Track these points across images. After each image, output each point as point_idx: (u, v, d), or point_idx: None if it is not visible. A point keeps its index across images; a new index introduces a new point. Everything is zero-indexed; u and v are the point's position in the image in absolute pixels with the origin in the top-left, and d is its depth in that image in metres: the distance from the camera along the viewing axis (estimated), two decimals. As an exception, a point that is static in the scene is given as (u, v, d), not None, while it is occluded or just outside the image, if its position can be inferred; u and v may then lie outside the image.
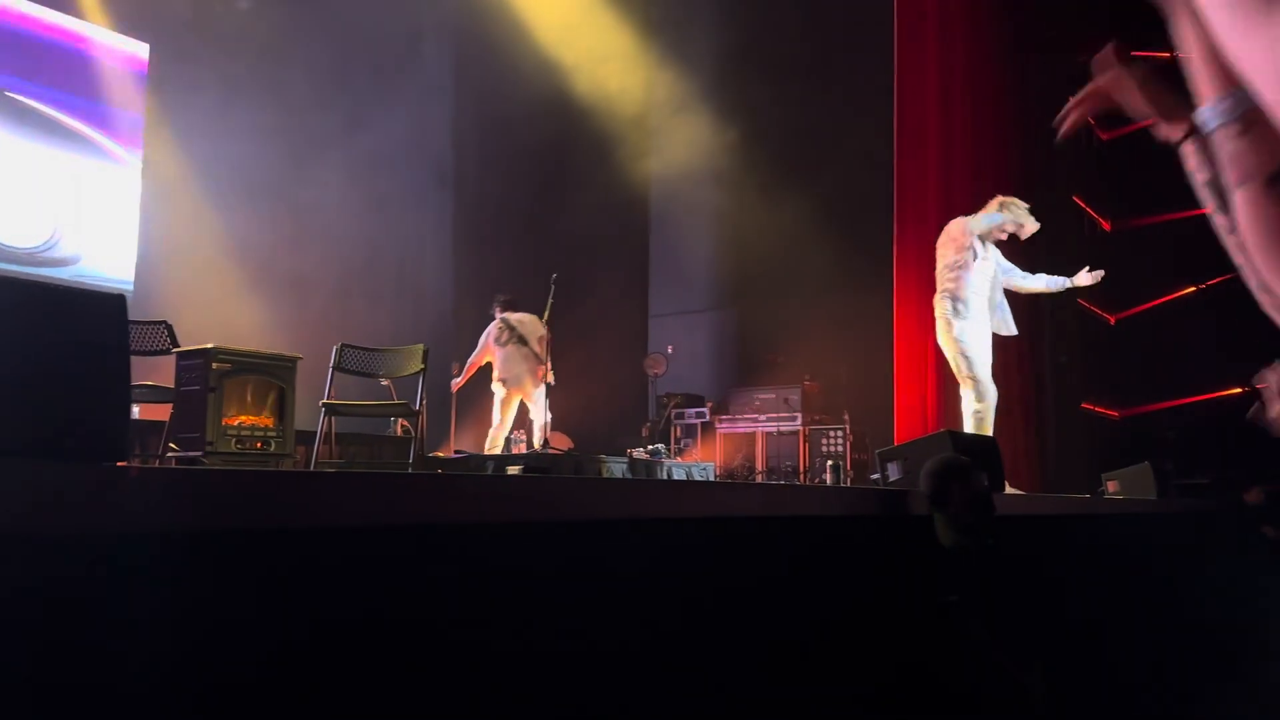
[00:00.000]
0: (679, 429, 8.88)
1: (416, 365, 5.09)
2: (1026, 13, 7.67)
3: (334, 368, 4.98)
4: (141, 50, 8.50)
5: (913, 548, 2.83)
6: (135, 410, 5.78)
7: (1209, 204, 0.98)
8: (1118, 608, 4.01)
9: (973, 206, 6.89)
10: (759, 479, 8.14)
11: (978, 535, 2.73)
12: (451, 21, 9.37)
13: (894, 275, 6.99)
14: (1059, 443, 7.70)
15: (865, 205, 7.89)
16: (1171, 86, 1.08)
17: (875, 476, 4.56)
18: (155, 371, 5.13)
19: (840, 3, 8.44)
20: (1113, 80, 1.09)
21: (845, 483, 6.98)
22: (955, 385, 6.89)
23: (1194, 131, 1.04)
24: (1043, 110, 7.33)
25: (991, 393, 5.37)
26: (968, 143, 6.97)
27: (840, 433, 8.32)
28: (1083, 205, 9.20)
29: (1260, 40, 0.50)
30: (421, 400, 5.05)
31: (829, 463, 5.57)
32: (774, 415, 8.54)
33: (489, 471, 5.62)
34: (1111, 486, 5.65)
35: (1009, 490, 4.43)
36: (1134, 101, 1.11)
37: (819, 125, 8.65)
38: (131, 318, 5.21)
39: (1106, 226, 9.69)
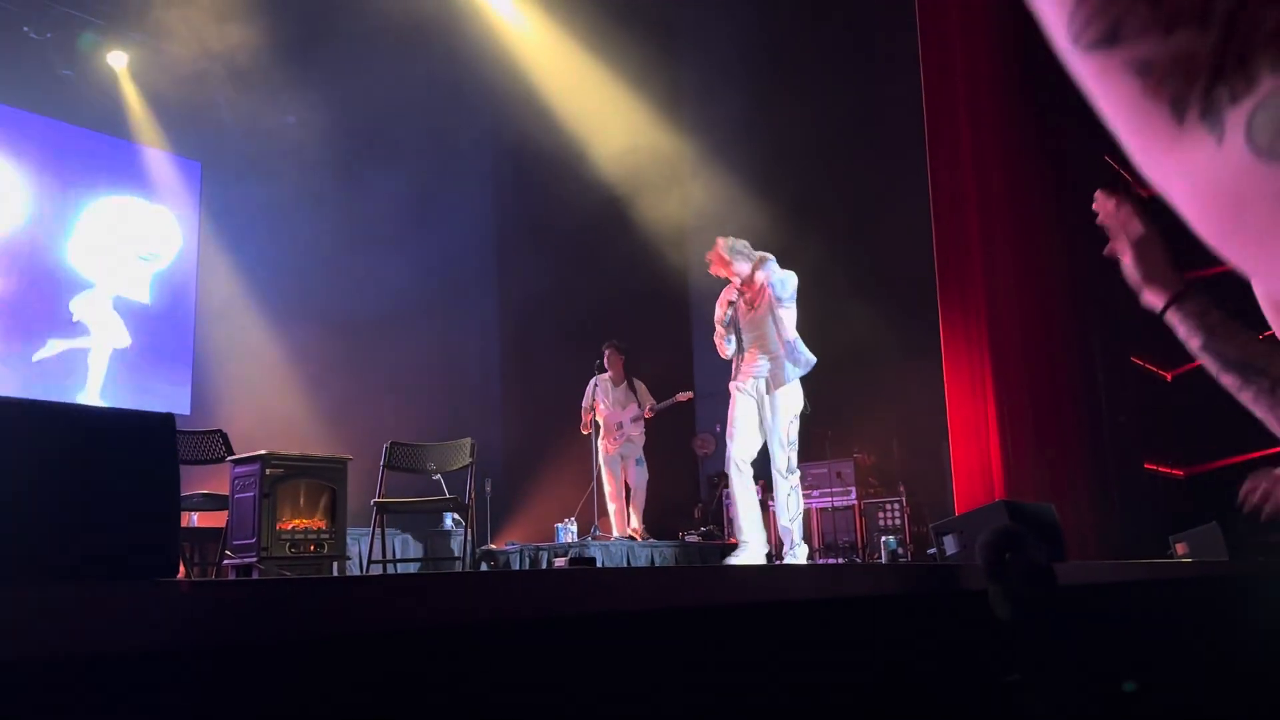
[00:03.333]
0: (731, 508, 8.79)
1: (465, 459, 5.14)
2: (1054, 70, 7.72)
3: (384, 465, 5.05)
4: (193, 169, 8.87)
5: (971, 625, 2.76)
6: (193, 518, 5.90)
7: (1211, 367, 0.99)
8: (1194, 679, 3.85)
9: (1015, 268, 6.87)
10: (815, 557, 8.01)
11: (1038, 609, 2.66)
12: (489, 123, 9.66)
13: (941, 342, 6.94)
14: (1122, 506, 7.50)
15: (907, 274, 7.88)
16: (1166, 247, 1.11)
17: (932, 551, 4.47)
18: (212, 478, 5.24)
19: (867, 70, 8.55)
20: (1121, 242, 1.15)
21: (906, 557, 6.85)
22: (1017, 451, 6.77)
23: (1175, 300, 1.06)
24: (1078, 165, 7.32)
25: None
26: (1005, 204, 6.96)
27: (897, 506, 8.18)
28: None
29: (1173, 168, 0.51)
30: (471, 494, 5.08)
31: (883, 539, 5.50)
32: (827, 490, 8.43)
33: (542, 565, 5.61)
34: (1180, 549, 5.48)
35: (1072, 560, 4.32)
36: (1126, 268, 1.15)
37: (856, 198, 8.71)
38: (189, 426, 5.35)
39: (1160, 306, 9.53)
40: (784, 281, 5.12)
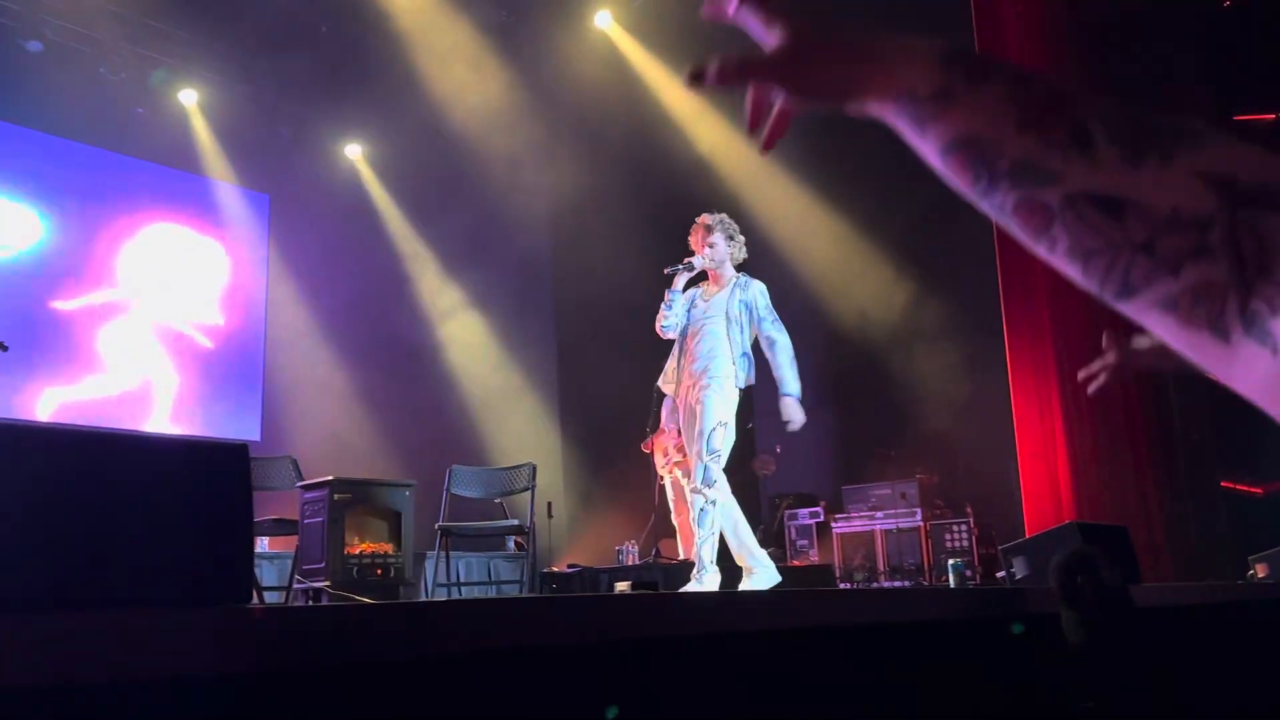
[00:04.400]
0: (793, 530, 8.72)
1: (526, 483, 5.19)
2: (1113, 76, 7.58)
3: (447, 490, 5.11)
4: (262, 201, 9.11)
5: (1043, 651, 2.70)
6: (264, 543, 6.02)
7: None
8: (1277, 705, 3.71)
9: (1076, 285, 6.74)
10: (881, 580, 7.89)
11: (1112, 634, 2.59)
12: (549, 150, 9.77)
13: (1007, 359, 6.83)
14: (1198, 526, 7.28)
15: (971, 291, 7.77)
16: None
17: (1002, 574, 4.39)
18: (283, 504, 5.35)
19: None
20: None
21: (975, 580, 6.71)
22: (1086, 470, 6.61)
23: None
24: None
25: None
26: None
27: (964, 527, 8.02)
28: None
29: (1240, 375, 0.51)
30: (532, 517, 5.12)
31: (950, 561, 5.35)
32: (891, 512, 8.30)
33: (602, 588, 5.62)
34: (1261, 570, 5.30)
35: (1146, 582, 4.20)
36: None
37: (918, 215, 8.62)
38: (260, 453, 5.47)
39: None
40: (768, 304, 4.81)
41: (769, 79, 0.65)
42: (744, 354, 4.67)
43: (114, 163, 8.30)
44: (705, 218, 4.71)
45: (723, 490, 4.34)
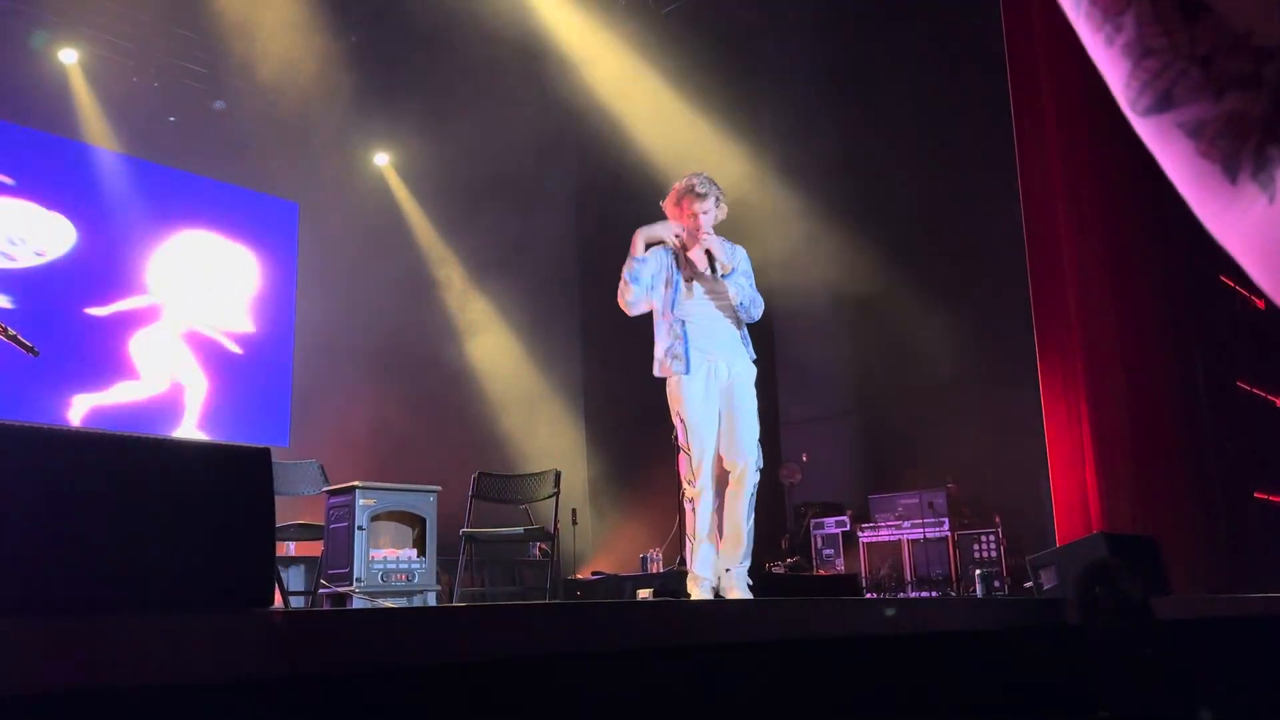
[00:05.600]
0: (819, 539, 8.68)
1: (550, 489, 5.20)
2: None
3: (472, 496, 5.13)
4: (290, 209, 9.21)
5: (1067, 662, 2.67)
6: (291, 547, 6.07)
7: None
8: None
9: (1111, 293, 6.66)
10: (908, 590, 7.84)
11: (1134, 645, 2.56)
12: (575, 163, 9.82)
13: (1038, 366, 6.76)
14: (1231, 538, 7.17)
15: (1001, 300, 7.72)
16: None
17: (1029, 585, 4.34)
18: (310, 509, 5.39)
19: (957, 103, 8.44)
20: None
21: (1003, 591, 6.65)
22: (1116, 481, 6.52)
23: None
24: (1174, 190, 7.08)
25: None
26: (1099, 227, 6.78)
27: (992, 537, 7.95)
28: (1231, 284, 8.76)
29: (1231, 221, 0.51)
30: (556, 524, 5.12)
31: (978, 572, 5.29)
32: (918, 521, 8.25)
33: (625, 594, 5.61)
34: (1295, 583, 5.21)
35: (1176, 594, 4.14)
36: None
37: (947, 225, 8.58)
38: (288, 458, 5.51)
39: (1260, 305, 9.16)
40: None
41: None
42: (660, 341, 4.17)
43: (145, 170, 8.42)
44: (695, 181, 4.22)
45: (698, 490, 3.94)
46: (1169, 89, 0.52)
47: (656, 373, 4.19)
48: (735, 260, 4.13)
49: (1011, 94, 6.92)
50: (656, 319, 4.22)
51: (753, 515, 3.97)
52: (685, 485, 4.05)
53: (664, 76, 8.79)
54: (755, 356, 4.19)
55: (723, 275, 4.06)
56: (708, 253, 4.09)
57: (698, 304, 4.13)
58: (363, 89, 8.60)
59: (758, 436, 4.08)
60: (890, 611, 2.50)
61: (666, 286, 4.18)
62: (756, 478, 4.00)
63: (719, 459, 4.05)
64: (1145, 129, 0.54)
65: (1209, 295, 7.35)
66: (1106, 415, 6.41)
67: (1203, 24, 0.51)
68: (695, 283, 4.16)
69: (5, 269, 7.59)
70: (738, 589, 3.86)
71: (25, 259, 7.72)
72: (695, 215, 4.14)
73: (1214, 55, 0.50)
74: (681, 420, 4.04)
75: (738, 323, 4.15)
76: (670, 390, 4.11)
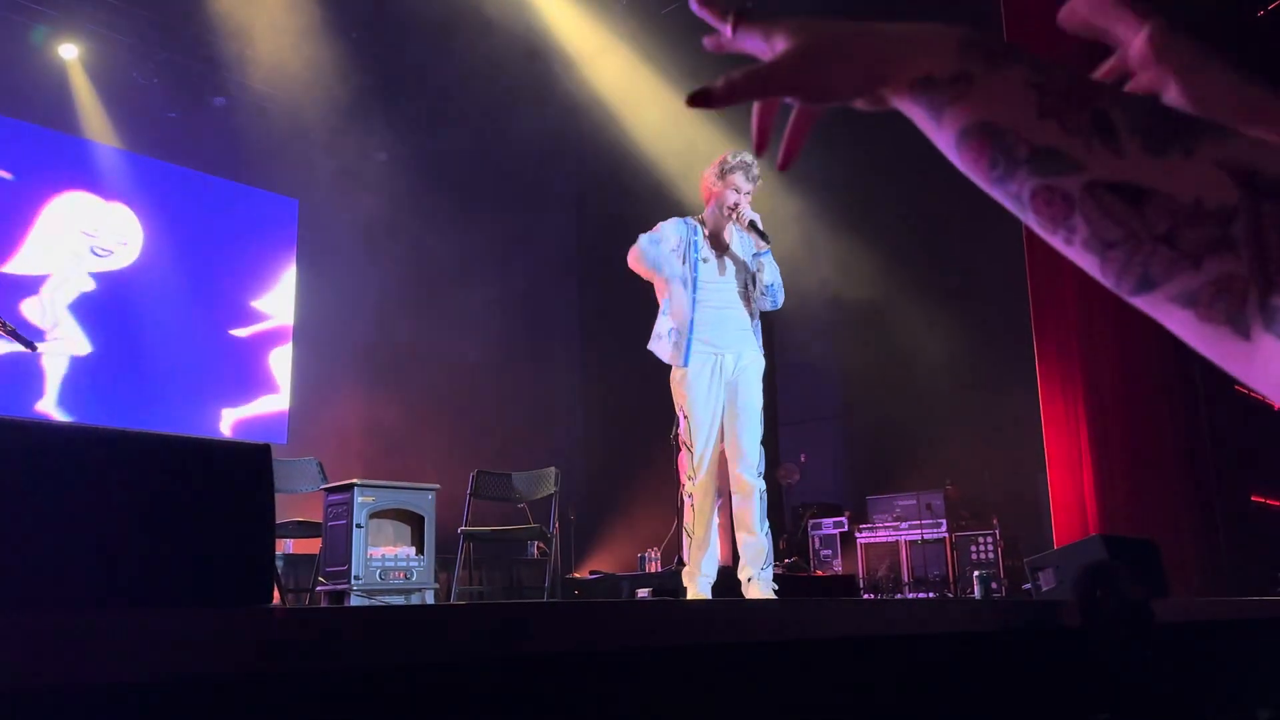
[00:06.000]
0: (816, 540, 8.68)
1: (550, 488, 5.19)
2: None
3: (471, 494, 5.13)
4: (290, 206, 9.20)
5: (1064, 664, 2.67)
6: (289, 545, 6.07)
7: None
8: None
9: (1109, 295, 6.66)
10: (906, 591, 7.84)
11: (1132, 647, 2.56)
12: (576, 162, 9.81)
13: (1036, 367, 6.77)
14: (1228, 540, 7.18)
15: (1000, 300, 7.72)
16: None
17: (1027, 587, 4.35)
18: (308, 506, 5.39)
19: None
20: None
21: (1001, 593, 6.66)
22: (1114, 483, 6.52)
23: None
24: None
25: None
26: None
27: (990, 539, 7.95)
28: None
29: (1258, 375, 0.50)
30: (555, 522, 5.12)
31: (975, 574, 5.29)
32: (916, 523, 8.25)
33: (623, 594, 5.61)
34: (1292, 586, 5.22)
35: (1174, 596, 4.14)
36: None
37: (946, 224, 8.58)
38: (286, 455, 5.51)
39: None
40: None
41: (782, 85, 0.63)
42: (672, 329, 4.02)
43: (143, 165, 8.41)
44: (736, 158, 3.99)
45: (698, 487, 3.87)
46: (1144, 272, 0.52)
47: (650, 346, 4.04)
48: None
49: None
50: (662, 295, 4.03)
51: (766, 520, 3.92)
52: (685, 481, 3.97)
53: (665, 75, 8.78)
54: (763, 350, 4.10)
55: (757, 253, 3.95)
56: (751, 225, 3.90)
57: (712, 289, 3.96)
58: (363, 85, 8.59)
59: (760, 437, 3.99)
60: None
61: (682, 264, 3.95)
62: (763, 485, 3.96)
63: (721, 457, 3.96)
64: (1141, 304, 0.54)
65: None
66: (1104, 418, 6.42)
67: (1151, 207, 0.51)
68: (713, 264, 3.98)
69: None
70: (764, 593, 3.82)
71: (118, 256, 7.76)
72: (739, 191, 3.92)
73: (1175, 231, 0.50)
74: (685, 414, 3.94)
75: (751, 311, 4.01)
76: (674, 382, 4.00)
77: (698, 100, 0.64)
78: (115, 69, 8.08)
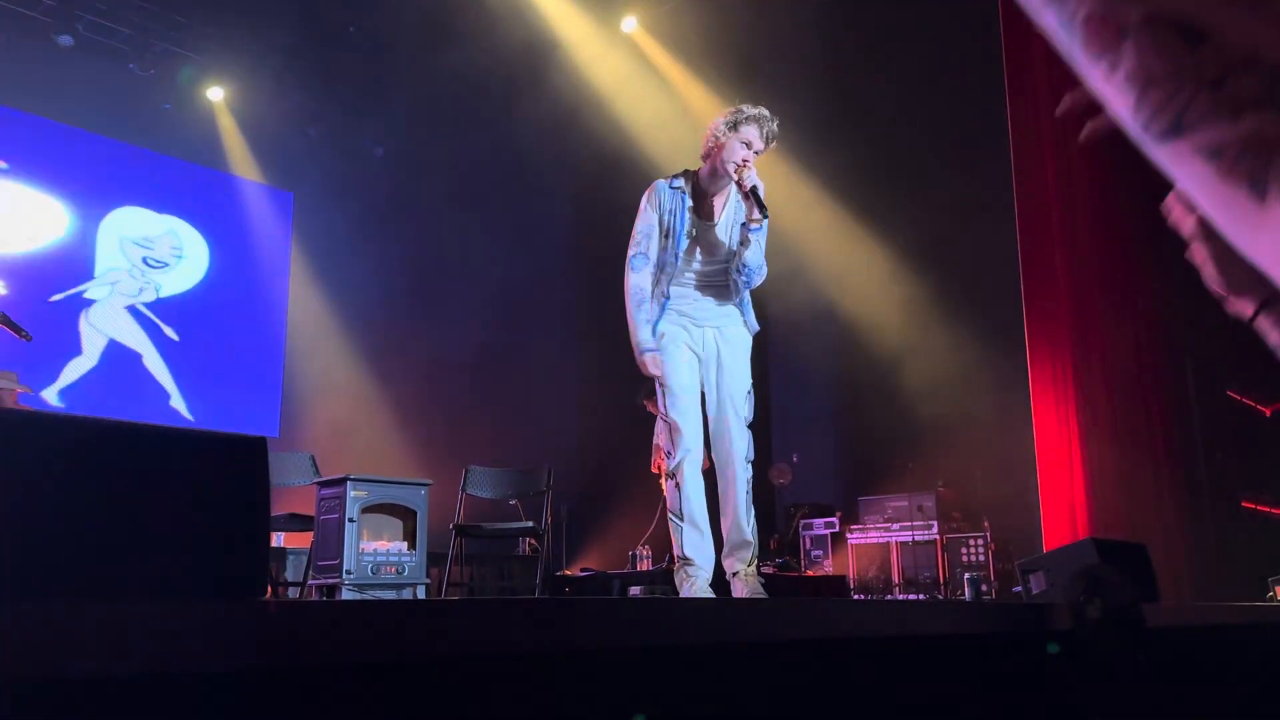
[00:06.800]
0: (808, 540, 8.69)
1: (542, 485, 5.19)
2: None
3: (463, 490, 5.13)
4: (285, 199, 9.18)
5: (1055, 667, 2.68)
6: (280, 538, 6.06)
7: None
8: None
9: (1104, 299, 6.69)
10: (896, 592, 7.86)
11: (1124, 651, 2.57)
12: (573, 157, 9.80)
13: (1028, 370, 6.79)
14: (1219, 546, 7.21)
15: (994, 303, 7.74)
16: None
17: (1018, 589, 4.36)
18: (300, 500, 5.38)
19: (955, 99, 8.44)
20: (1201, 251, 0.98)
21: (991, 595, 6.68)
22: (1106, 488, 6.54)
23: (1265, 305, 0.96)
24: (1169, 190, 7.11)
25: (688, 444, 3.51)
26: (1092, 233, 6.80)
27: (981, 541, 7.97)
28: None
29: (1265, 240, 0.50)
30: (547, 520, 5.12)
31: (966, 576, 5.30)
32: (907, 524, 8.27)
33: (614, 592, 5.61)
34: (1281, 592, 5.24)
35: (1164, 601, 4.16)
36: (1207, 275, 1.01)
37: (940, 222, 8.59)
38: (278, 449, 5.49)
39: (1250, 312, 9.19)
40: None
41: None
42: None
43: (145, 159, 8.38)
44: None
45: (678, 462, 3.52)
46: (1180, 115, 0.50)
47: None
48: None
49: (1009, 105, 6.95)
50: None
51: (752, 511, 3.56)
52: (663, 460, 3.66)
53: (666, 73, 8.79)
54: (757, 327, 3.67)
55: (752, 229, 3.51)
56: (752, 193, 3.47)
57: (692, 266, 3.59)
58: (360, 79, 8.57)
59: (747, 418, 3.60)
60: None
61: (666, 236, 3.55)
62: (749, 472, 3.58)
63: (706, 443, 3.61)
64: (1160, 155, 0.52)
65: (1200, 304, 7.37)
66: (1096, 421, 6.45)
67: (1207, 49, 0.50)
68: (700, 236, 3.58)
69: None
70: (750, 590, 3.52)
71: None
72: (749, 146, 3.50)
73: (1224, 78, 0.49)
74: (661, 384, 3.54)
75: (734, 288, 3.62)
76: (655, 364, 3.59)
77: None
78: (113, 63, 8.06)
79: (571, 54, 8.85)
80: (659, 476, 6.67)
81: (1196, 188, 0.51)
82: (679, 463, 3.50)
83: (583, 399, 9.83)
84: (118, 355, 8.00)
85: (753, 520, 3.57)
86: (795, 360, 10.37)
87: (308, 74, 8.56)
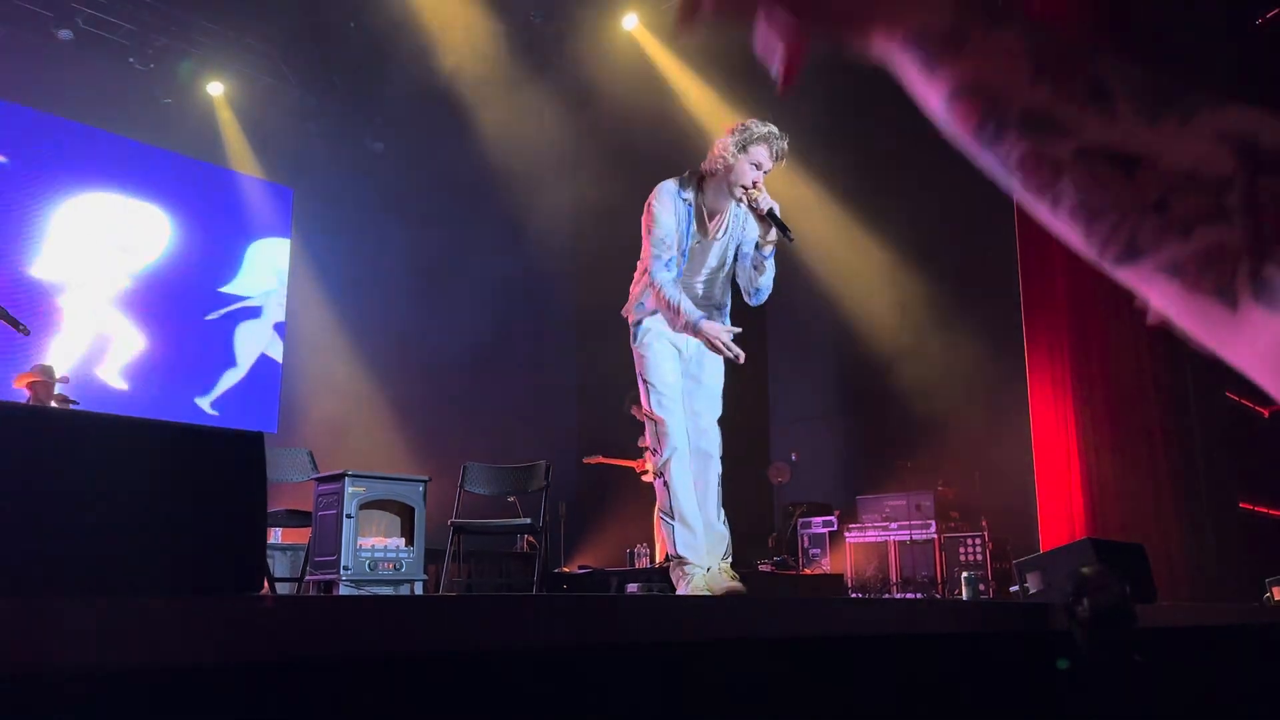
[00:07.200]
0: (806, 539, 8.69)
1: (540, 482, 5.18)
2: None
3: (461, 486, 5.12)
4: (285, 194, 9.17)
5: (1052, 666, 2.68)
6: (278, 534, 6.05)
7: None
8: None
9: (1103, 301, 6.69)
10: (893, 591, 7.86)
11: (1119, 651, 2.57)
12: (574, 155, 9.79)
13: (1027, 371, 6.80)
14: (1217, 547, 7.22)
15: (993, 305, 7.74)
16: None
17: (1015, 589, 4.36)
18: (298, 495, 5.37)
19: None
20: None
21: (988, 594, 6.68)
22: (1104, 488, 6.54)
23: None
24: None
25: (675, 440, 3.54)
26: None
27: (978, 541, 7.97)
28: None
29: (1243, 347, 0.49)
30: (544, 517, 5.12)
31: (963, 575, 5.30)
32: (905, 523, 8.27)
33: (611, 589, 5.61)
34: (1277, 593, 5.25)
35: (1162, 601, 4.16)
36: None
37: (942, 224, 8.59)
38: (277, 444, 5.49)
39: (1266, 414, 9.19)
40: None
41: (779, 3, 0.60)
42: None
43: (143, 153, 8.37)
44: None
45: (666, 459, 3.53)
46: (1131, 241, 0.50)
47: (625, 312, 3.73)
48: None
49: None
50: (640, 273, 3.66)
51: (722, 509, 3.61)
52: (652, 458, 3.66)
53: (669, 73, 8.78)
54: (738, 329, 3.59)
55: (766, 253, 3.53)
56: (770, 216, 3.44)
57: (693, 279, 3.61)
58: (359, 75, 8.56)
59: (719, 415, 3.66)
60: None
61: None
62: (719, 467, 3.63)
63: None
64: (1124, 276, 0.52)
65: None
66: (1094, 422, 6.45)
67: (1144, 175, 0.50)
68: (702, 245, 3.60)
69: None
70: (728, 583, 3.54)
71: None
72: (759, 168, 3.48)
73: (1167, 200, 0.49)
74: (646, 383, 3.58)
75: (726, 293, 3.67)
76: (636, 351, 3.67)
77: (687, 13, 0.63)
78: (113, 57, 8.05)
79: (572, 51, 8.84)
80: (643, 474, 6.69)
81: (1164, 301, 0.51)
82: (666, 460, 3.51)
83: (581, 396, 9.82)
84: (103, 345, 8.00)
85: (723, 515, 3.62)
86: (794, 360, 10.37)
87: (307, 69, 8.54)
